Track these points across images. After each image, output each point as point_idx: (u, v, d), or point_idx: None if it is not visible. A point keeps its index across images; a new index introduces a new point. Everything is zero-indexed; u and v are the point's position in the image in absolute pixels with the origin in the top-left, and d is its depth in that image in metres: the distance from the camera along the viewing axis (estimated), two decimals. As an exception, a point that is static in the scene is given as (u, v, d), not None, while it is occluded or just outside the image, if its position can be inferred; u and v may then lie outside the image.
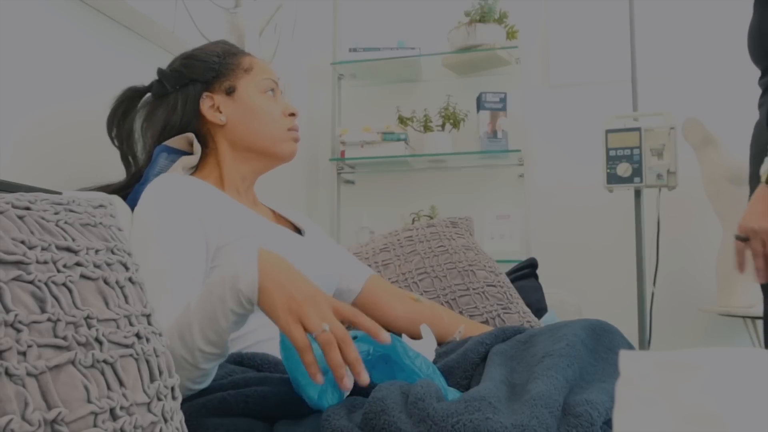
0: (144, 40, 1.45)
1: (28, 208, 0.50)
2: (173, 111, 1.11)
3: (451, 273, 1.34)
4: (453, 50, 2.39)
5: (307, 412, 0.73)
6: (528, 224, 2.31)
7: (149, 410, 0.49)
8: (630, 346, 0.86)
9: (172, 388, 0.54)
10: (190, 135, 1.10)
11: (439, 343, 1.07)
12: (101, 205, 0.59)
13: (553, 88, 2.49)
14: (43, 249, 0.48)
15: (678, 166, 2.08)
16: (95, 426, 0.44)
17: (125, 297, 0.53)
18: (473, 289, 1.32)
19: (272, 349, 0.87)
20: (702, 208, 2.19)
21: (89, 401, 0.44)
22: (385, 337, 0.72)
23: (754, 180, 1.29)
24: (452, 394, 0.75)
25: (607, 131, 2.14)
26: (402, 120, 2.47)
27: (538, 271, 1.60)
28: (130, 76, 1.19)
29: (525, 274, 1.57)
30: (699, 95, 2.27)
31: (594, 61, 2.42)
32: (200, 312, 0.73)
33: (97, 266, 0.52)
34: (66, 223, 0.53)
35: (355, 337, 0.74)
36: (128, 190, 1.12)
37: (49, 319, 0.45)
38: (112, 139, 1.16)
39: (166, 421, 0.50)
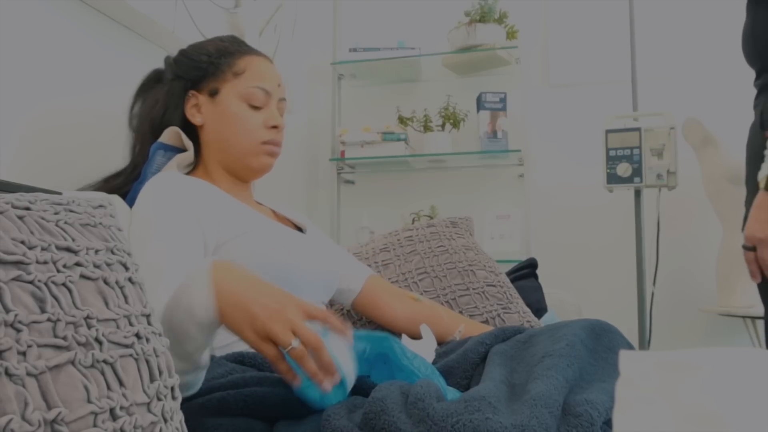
0: (144, 40, 1.45)
1: (28, 209, 0.50)
2: (155, 104, 1.11)
3: (451, 273, 1.34)
4: (453, 50, 2.39)
5: (307, 412, 0.73)
6: (528, 224, 2.31)
7: (149, 410, 0.49)
8: (630, 346, 0.86)
9: (172, 388, 0.54)
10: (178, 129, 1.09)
11: (439, 343, 1.07)
12: (101, 206, 0.59)
13: (553, 88, 2.49)
14: (43, 249, 0.48)
15: (678, 166, 2.07)
16: (95, 426, 0.44)
17: (125, 297, 0.53)
18: (473, 289, 1.32)
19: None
20: (702, 208, 2.19)
21: (89, 401, 0.44)
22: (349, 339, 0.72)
23: (751, 182, 1.29)
24: (452, 394, 0.75)
25: (607, 131, 2.14)
26: (402, 120, 2.47)
27: (538, 271, 1.59)
28: (130, 76, 1.19)
29: (525, 274, 1.57)
30: (699, 95, 2.27)
31: (594, 61, 2.42)
32: (166, 332, 0.69)
33: (96, 266, 0.52)
34: (66, 223, 0.53)
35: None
36: (127, 188, 1.12)
37: (48, 319, 0.45)
38: (129, 119, 1.15)
39: (166, 421, 0.50)
